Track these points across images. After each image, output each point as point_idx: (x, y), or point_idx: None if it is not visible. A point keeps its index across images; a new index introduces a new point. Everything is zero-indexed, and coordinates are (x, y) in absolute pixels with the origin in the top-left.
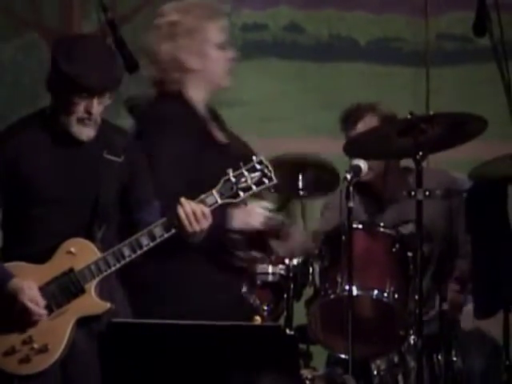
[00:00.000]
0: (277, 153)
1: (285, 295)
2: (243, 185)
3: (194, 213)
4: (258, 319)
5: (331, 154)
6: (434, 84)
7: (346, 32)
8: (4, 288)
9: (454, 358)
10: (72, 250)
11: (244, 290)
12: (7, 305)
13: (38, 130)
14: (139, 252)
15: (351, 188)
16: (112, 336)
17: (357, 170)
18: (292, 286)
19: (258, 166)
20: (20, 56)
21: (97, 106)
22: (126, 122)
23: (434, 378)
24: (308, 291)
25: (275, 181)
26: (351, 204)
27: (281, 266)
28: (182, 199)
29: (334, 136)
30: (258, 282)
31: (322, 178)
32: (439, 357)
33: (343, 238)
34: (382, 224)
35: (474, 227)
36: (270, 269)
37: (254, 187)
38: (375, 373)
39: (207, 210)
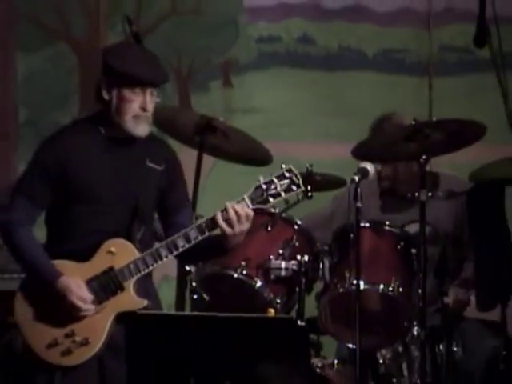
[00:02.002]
0: (289, 156)
1: (297, 289)
2: (273, 191)
3: (239, 216)
4: (271, 311)
5: (340, 158)
6: (437, 92)
7: (355, 44)
8: (53, 285)
9: (455, 349)
10: (112, 249)
11: (259, 284)
12: (54, 301)
13: (88, 134)
14: (175, 253)
15: (359, 189)
16: (138, 327)
17: (364, 172)
18: (303, 280)
19: (287, 174)
20: (50, 65)
21: (150, 102)
22: None
23: (435, 367)
24: (318, 285)
25: (303, 188)
26: (359, 204)
27: (293, 262)
28: (227, 204)
29: (343, 140)
30: (272, 277)
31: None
32: (441, 347)
33: (351, 236)
34: (387, 223)
35: (475, 225)
36: (283, 264)
37: (282, 194)
38: (381, 361)
39: (251, 213)
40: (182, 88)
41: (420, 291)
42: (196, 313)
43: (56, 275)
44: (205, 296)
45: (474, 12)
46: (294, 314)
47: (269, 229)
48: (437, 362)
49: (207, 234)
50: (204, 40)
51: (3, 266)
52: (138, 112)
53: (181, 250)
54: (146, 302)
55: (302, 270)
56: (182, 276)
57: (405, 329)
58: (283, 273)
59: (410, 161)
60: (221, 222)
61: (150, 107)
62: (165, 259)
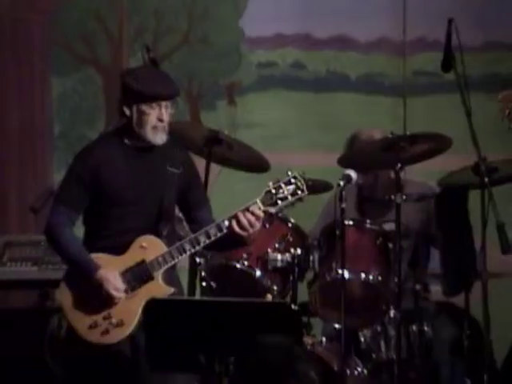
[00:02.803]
0: (284, 164)
1: (290, 278)
2: (281, 195)
3: (250, 222)
4: (269, 297)
5: (327, 166)
6: (410, 110)
7: (340, 69)
8: (92, 276)
9: (426, 328)
10: (144, 244)
11: (258, 273)
12: (93, 289)
13: (115, 145)
14: (197, 248)
15: (343, 192)
16: (154, 310)
17: (348, 178)
18: (296, 270)
19: (293, 180)
20: (79, 87)
21: (165, 113)
22: None
23: (409, 344)
24: (309, 275)
25: (306, 192)
26: (343, 205)
27: (287, 255)
28: (237, 213)
29: (330, 151)
30: (270, 268)
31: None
32: (414, 327)
33: (337, 232)
34: (368, 221)
35: (442, 224)
36: (279, 257)
37: (289, 197)
38: (362, 339)
39: (261, 214)
40: (193, 106)
41: (396, 279)
42: (205, 298)
43: (95, 268)
44: (212, 284)
45: (441, 42)
46: (288, 299)
47: (267, 226)
48: (410, 340)
49: (225, 231)
50: (211, 65)
51: (49, 259)
52: (156, 123)
53: (202, 245)
54: (172, 290)
55: (295, 261)
56: (193, 267)
57: (383, 311)
58: (279, 264)
59: (387, 169)
60: (237, 229)
61: (166, 118)
62: (188, 253)
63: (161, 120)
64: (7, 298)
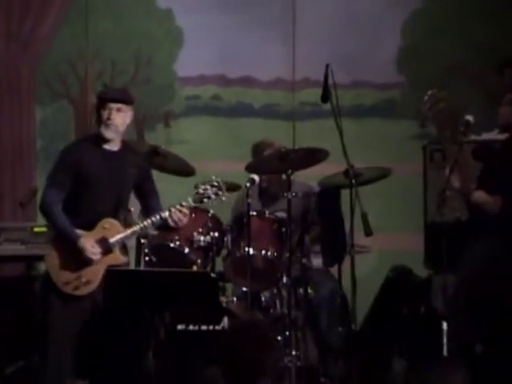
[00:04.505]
0: (205, 171)
1: (210, 254)
2: (207, 195)
3: (179, 218)
4: (195, 268)
5: (237, 172)
6: (298, 131)
7: (247, 100)
8: (76, 243)
9: (310, 290)
10: (106, 226)
11: (187, 251)
12: (73, 253)
13: (91, 144)
14: (144, 230)
15: (249, 191)
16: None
17: (252, 181)
18: (215, 248)
19: (216, 183)
20: (56, 114)
21: (115, 113)
22: None
23: (297, 302)
24: (224, 252)
25: (227, 194)
26: (249, 200)
27: (208, 237)
28: (172, 209)
29: (239, 161)
30: (195, 246)
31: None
32: (301, 290)
33: (244, 220)
34: (267, 212)
35: (322, 214)
36: (202, 238)
37: (213, 197)
38: (263, 299)
39: (187, 211)
40: (139, 128)
41: (287, 254)
42: (147, 268)
43: (78, 237)
44: (153, 258)
45: (321, 81)
46: (208, 269)
47: (193, 215)
48: (298, 299)
49: (164, 218)
50: (152, 98)
51: (34, 240)
52: (106, 121)
53: (148, 228)
54: (126, 259)
55: (214, 241)
56: (139, 245)
57: (278, 278)
58: (202, 244)
59: (281, 173)
60: (170, 222)
61: (113, 117)
62: (138, 233)
63: (108, 118)
64: (2, 269)
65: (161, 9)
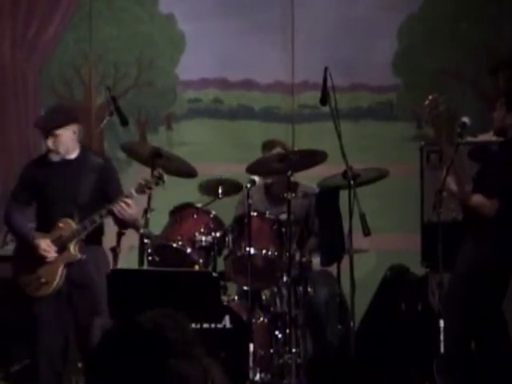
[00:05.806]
0: (207, 172)
1: (212, 253)
2: (148, 185)
3: (121, 207)
4: (197, 267)
5: (238, 173)
6: (298, 133)
7: (247, 103)
8: (31, 242)
9: (309, 289)
10: (61, 225)
11: (189, 250)
12: (31, 255)
13: (46, 157)
14: (95, 224)
15: (250, 192)
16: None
17: (253, 182)
18: (216, 248)
19: (156, 174)
20: None
21: (49, 142)
22: None
23: (296, 301)
24: (225, 251)
25: (166, 183)
26: (250, 201)
27: (210, 237)
28: (116, 202)
29: (239, 162)
30: (197, 246)
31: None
32: (300, 288)
33: (245, 220)
34: (267, 212)
35: (321, 214)
36: (204, 238)
37: (153, 186)
38: (264, 298)
39: (130, 201)
40: (141, 131)
41: (287, 254)
42: (151, 268)
43: (33, 237)
44: (156, 258)
45: (320, 84)
46: (210, 268)
47: (195, 216)
48: (297, 298)
49: (109, 211)
50: (154, 102)
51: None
52: (47, 148)
53: (98, 221)
54: (79, 256)
55: (215, 241)
56: (142, 246)
57: (278, 277)
58: (204, 243)
59: (282, 174)
60: (117, 213)
61: (49, 145)
62: (89, 229)
63: (46, 147)
64: (8, 269)
65: (163, 14)
